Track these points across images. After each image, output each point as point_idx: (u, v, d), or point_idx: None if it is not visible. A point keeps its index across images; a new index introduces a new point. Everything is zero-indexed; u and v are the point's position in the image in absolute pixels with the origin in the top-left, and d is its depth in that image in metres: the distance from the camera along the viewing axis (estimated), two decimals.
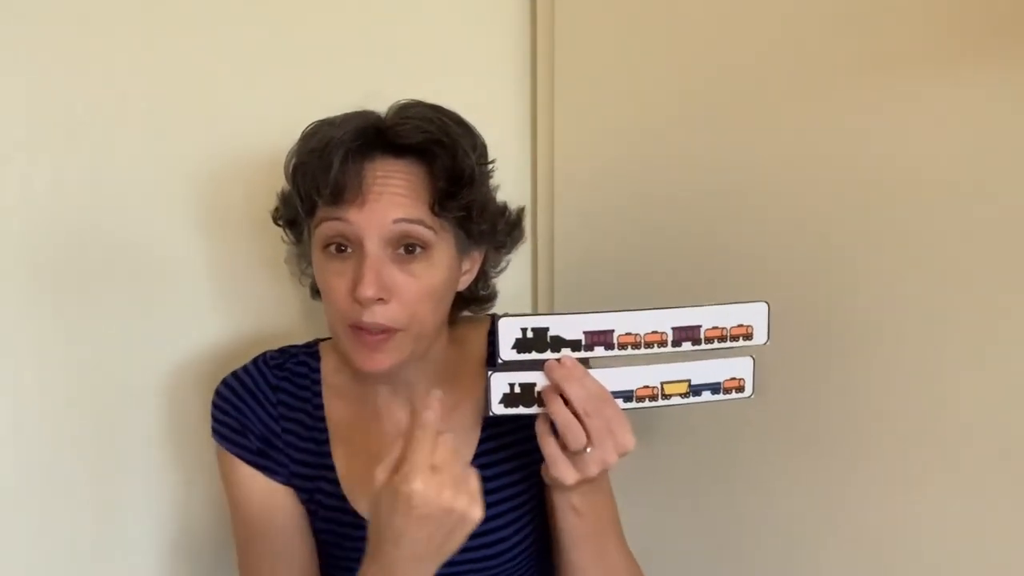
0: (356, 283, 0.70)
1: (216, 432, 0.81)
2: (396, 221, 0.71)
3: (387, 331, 0.72)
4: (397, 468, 0.63)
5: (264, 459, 0.80)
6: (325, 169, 0.70)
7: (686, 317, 0.70)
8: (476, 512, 0.64)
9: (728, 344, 0.70)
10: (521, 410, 0.71)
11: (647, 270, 0.97)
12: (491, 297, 0.88)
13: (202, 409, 0.83)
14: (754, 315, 0.71)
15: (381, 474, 0.64)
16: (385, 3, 1.00)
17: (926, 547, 0.76)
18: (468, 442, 0.82)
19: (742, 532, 0.92)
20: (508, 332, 0.69)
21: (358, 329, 0.72)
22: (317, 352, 0.85)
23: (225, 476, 0.82)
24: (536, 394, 0.70)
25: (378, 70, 0.98)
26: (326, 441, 0.82)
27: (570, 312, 0.70)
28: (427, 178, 0.73)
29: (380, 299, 0.71)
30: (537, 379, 0.70)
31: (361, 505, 0.80)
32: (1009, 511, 0.70)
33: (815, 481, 0.84)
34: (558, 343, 0.69)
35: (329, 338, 0.87)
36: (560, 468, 0.70)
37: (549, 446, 0.70)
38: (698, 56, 0.89)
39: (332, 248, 0.73)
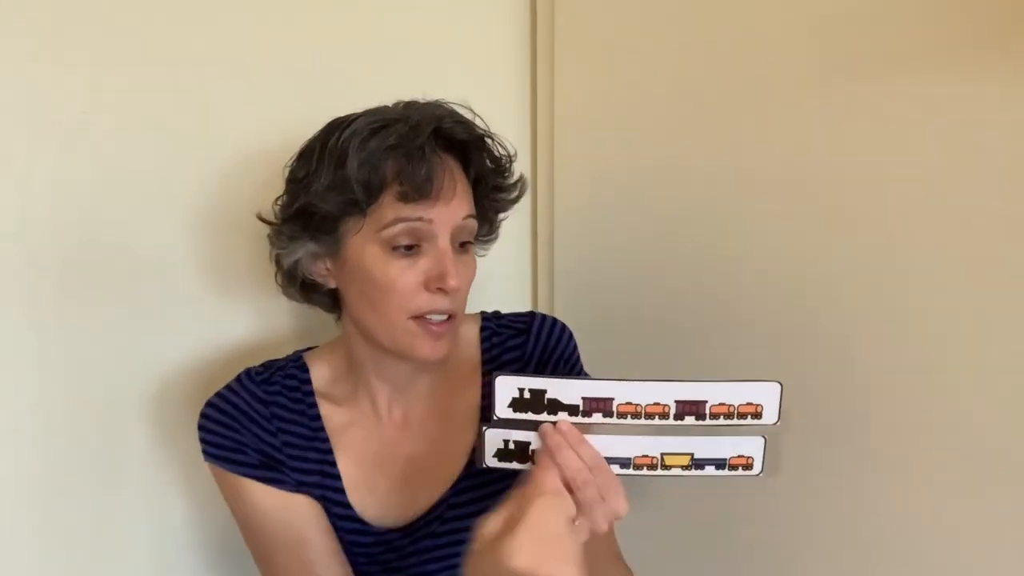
0: (443, 276, 0.73)
1: (209, 455, 0.79)
2: (465, 217, 0.75)
3: (451, 318, 0.76)
4: (505, 528, 0.61)
5: (269, 471, 0.79)
6: (416, 166, 0.71)
7: (692, 391, 0.68)
8: None
9: (735, 422, 0.68)
10: (515, 465, 0.70)
11: (646, 268, 0.98)
12: None
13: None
14: (765, 395, 0.68)
15: (488, 528, 0.62)
16: (385, 3, 1.00)
17: (927, 553, 0.76)
18: (461, 443, 0.83)
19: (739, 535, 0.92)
20: (505, 391, 0.68)
21: (424, 320, 0.75)
22: (303, 364, 0.84)
23: (230, 496, 0.80)
24: (531, 452, 0.70)
25: (378, 70, 0.99)
26: (329, 450, 0.81)
27: (570, 377, 0.70)
28: (464, 173, 0.77)
29: (458, 288, 0.74)
30: (532, 439, 0.69)
31: (366, 512, 0.81)
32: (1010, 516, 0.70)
33: (814, 484, 0.84)
34: (555, 406, 0.68)
35: (310, 348, 0.87)
36: None
37: None
38: (698, 56, 0.90)
39: (402, 247, 0.73)
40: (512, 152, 0.81)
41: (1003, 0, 0.66)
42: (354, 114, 0.75)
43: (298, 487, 0.80)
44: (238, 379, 0.82)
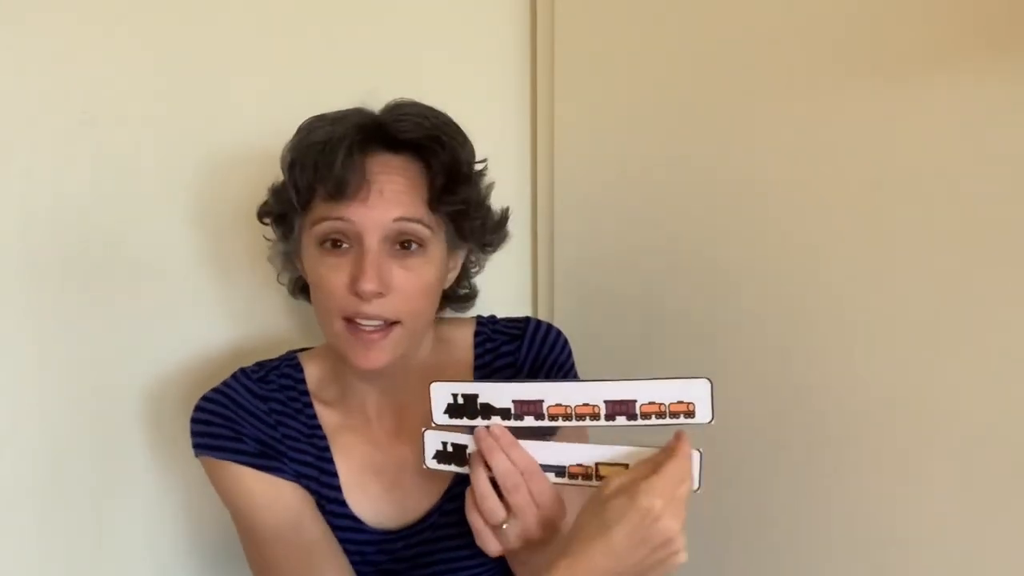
0: (357, 277, 0.71)
1: (204, 446, 0.77)
2: (396, 220, 0.72)
3: (384, 326, 0.73)
4: (641, 475, 0.60)
5: (266, 459, 0.78)
6: (328, 165, 0.70)
7: (620, 391, 0.66)
8: (683, 557, 0.61)
9: (667, 421, 0.66)
10: (454, 467, 0.71)
11: (646, 268, 0.98)
12: (472, 296, 0.89)
13: None
14: (695, 392, 0.66)
15: (617, 481, 0.61)
16: (385, 4, 1.00)
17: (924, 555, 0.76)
18: None
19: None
20: (440, 397, 0.69)
21: (354, 325, 0.73)
22: (298, 363, 0.84)
23: (225, 489, 0.78)
24: (468, 454, 0.70)
25: (378, 70, 0.98)
26: (326, 447, 0.81)
27: (501, 380, 0.70)
28: (424, 175, 0.74)
29: (379, 293, 0.71)
30: (469, 442, 0.69)
31: (361, 513, 0.80)
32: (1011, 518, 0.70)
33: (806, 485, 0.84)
34: (488, 410, 0.68)
35: (305, 349, 0.87)
36: (483, 539, 0.68)
37: (472, 517, 0.68)
38: (698, 57, 0.89)
39: (328, 244, 0.73)
40: (472, 154, 0.78)
41: (1003, 0, 0.66)
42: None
43: (297, 477, 0.79)
44: (233, 376, 0.82)
